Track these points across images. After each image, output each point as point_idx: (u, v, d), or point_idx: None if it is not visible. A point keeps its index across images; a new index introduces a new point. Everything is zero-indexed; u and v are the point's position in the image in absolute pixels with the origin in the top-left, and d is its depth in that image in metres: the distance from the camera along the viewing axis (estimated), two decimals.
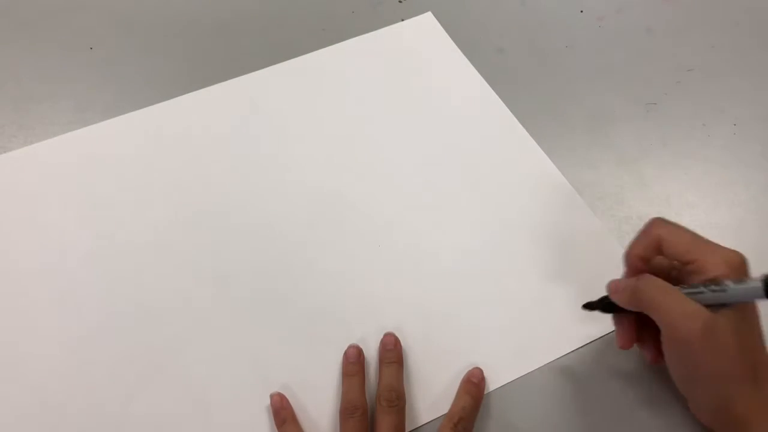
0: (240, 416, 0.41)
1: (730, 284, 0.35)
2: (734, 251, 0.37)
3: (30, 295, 0.45)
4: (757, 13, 0.61)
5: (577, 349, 0.43)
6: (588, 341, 0.43)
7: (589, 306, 0.42)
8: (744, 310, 0.36)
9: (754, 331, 0.37)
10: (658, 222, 0.40)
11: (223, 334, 0.44)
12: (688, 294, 0.37)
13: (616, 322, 0.42)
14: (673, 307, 0.37)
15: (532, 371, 0.42)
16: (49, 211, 0.49)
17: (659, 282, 0.38)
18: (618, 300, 0.40)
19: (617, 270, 0.46)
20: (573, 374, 0.42)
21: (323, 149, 0.52)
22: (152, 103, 0.54)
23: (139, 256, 0.47)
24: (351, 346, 0.42)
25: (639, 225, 0.49)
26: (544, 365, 0.42)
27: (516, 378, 0.42)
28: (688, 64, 0.58)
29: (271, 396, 0.41)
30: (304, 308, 0.45)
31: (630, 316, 0.40)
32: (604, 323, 0.43)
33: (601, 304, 0.42)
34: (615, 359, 0.42)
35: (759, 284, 0.34)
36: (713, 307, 0.36)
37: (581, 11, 0.62)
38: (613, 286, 0.41)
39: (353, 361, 0.42)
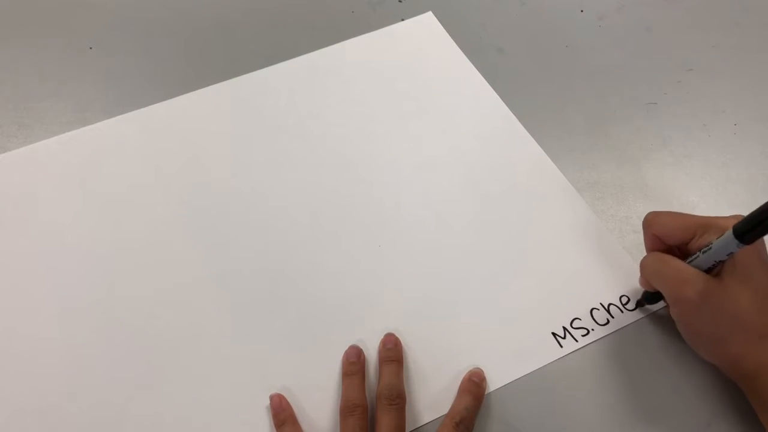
0: (240, 417, 0.41)
1: (713, 241, 0.36)
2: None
3: (29, 295, 0.45)
4: (757, 13, 0.61)
5: (577, 349, 0.43)
6: (588, 342, 0.43)
7: (639, 304, 0.44)
8: (746, 269, 0.36)
9: (758, 289, 0.36)
10: (648, 220, 0.41)
11: (222, 334, 0.43)
12: (689, 262, 0.37)
13: None
14: (670, 275, 0.38)
15: (532, 372, 0.42)
16: (49, 211, 0.48)
17: (657, 255, 0.39)
18: (642, 285, 0.43)
19: (618, 269, 0.46)
20: (573, 375, 0.42)
21: (323, 149, 0.52)
22: (152, 103, 0.54)
23: (138, 256, 0.46)
24: (351, 347, 0.42)
25: (639, 225, 0.49)
26: (545, 366, 0.42)
27: (516, 378, 0.42)
28: (688, 64, 0.58)
29: (271, 397, 0.41)
30: (304, 308, 0.45)
31: None
32: (603, 325, 0.44)
33: (645, 297, 0.43)
34: (615, 360, 0.42)
35: (730, 233, 0.34)
36: (716, 270, 0.36)
37: (581, 11, 0.62)
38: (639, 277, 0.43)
39: (353, 360, 0.42)
